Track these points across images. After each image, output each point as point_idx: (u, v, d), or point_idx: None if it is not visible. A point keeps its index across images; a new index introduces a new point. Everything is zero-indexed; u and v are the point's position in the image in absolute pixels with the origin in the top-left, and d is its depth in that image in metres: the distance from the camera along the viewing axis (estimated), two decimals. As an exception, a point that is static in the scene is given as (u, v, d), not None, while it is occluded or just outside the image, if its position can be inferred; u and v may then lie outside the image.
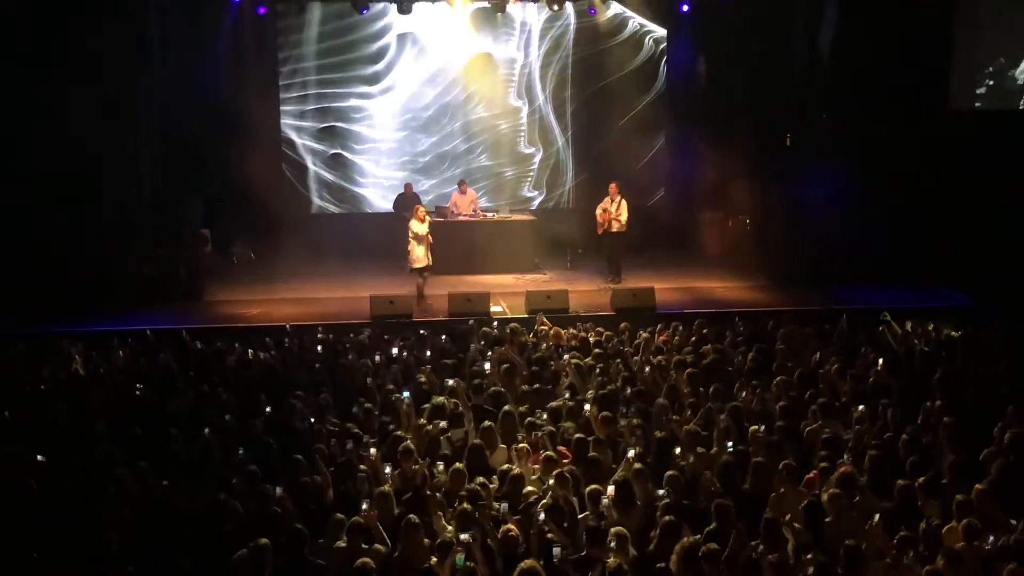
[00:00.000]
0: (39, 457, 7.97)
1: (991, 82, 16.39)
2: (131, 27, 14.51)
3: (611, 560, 6.07)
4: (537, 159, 18.98)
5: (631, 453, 7.83)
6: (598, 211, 15.51)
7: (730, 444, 8.09)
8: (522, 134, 18.86)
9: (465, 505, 6.88)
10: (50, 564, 6.26)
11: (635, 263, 16.22)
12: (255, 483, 7.44)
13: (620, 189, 15.39)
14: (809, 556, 6.31)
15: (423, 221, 14.37)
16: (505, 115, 18.72)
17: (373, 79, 18.38)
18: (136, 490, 7.38)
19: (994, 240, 14.89)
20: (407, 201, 17.30)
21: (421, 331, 12.10)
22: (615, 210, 15.24)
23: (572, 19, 18.63)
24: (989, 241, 14.89)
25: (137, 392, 9.72)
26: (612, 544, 6.31)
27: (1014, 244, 14.84)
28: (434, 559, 6.42)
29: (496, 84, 18.51)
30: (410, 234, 14.32)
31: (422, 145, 18.64)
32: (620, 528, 6.49)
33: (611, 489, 7.18)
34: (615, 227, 15.32)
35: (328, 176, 18.54)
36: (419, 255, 14.29)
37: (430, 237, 14.35)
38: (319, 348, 11.34)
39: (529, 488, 7.36)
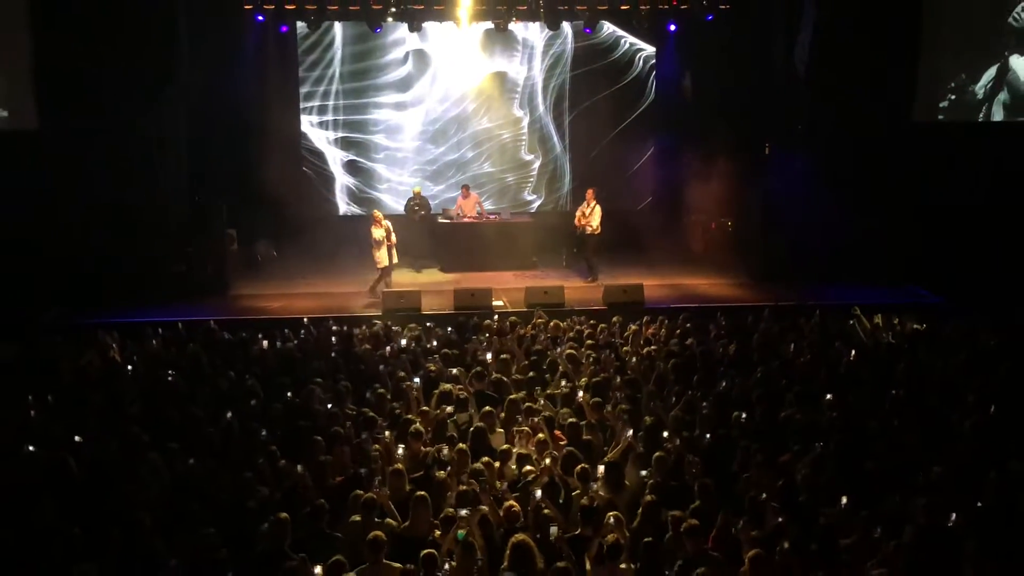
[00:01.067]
0: (77, 438, 7.95)
1: (953, 96, 16.35)
2: (163, 41, 14.43)
3: (609, 537, 6.04)
4: (537, 165, 18.93)
5: (628, 433, 7.80)
6: (577, 215, 15.58)
7: (712, 429, 8.08)
8: (523, 142, 18.82)
9: (462, 486, 6.86)
10: (88, 538, 6.24)
11: (625, 262, 16.20)
12: (276, 462, 7.42)
13: (596, 195, 15.44)
14: (783, 531, 6.28)
15: (379, 226, 14.38)
16: (508, 125, 18.67)
17: (388, 92, 18.32)
18: (166, 470, 7.36)
19: (961, 242, 14.84)
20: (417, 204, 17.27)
21: (429, 323, 12.07)
22: (588, 214, 15.31)
23: (570, 39, 18.60)
24: (956, 243, 14.83)
25: (168, 378, 9.70)
26: (611, 522, 6.28)
27: (978, 245, 14.79)
28: (437, 532, 6.40)
29: (501, 97, 18.48)
30: (371, 238, 14.40)
31: (432, 154, 18.60)
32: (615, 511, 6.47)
33: (601, 469, 7.15)
34: (588, 230, 15.35)
35: (346, 181, 18.49)
36: (379, 256, 14.38)
37: (391, 239, 14.38)
38: (335, 339, 11.32)
39: (527, 468, 7.35)
